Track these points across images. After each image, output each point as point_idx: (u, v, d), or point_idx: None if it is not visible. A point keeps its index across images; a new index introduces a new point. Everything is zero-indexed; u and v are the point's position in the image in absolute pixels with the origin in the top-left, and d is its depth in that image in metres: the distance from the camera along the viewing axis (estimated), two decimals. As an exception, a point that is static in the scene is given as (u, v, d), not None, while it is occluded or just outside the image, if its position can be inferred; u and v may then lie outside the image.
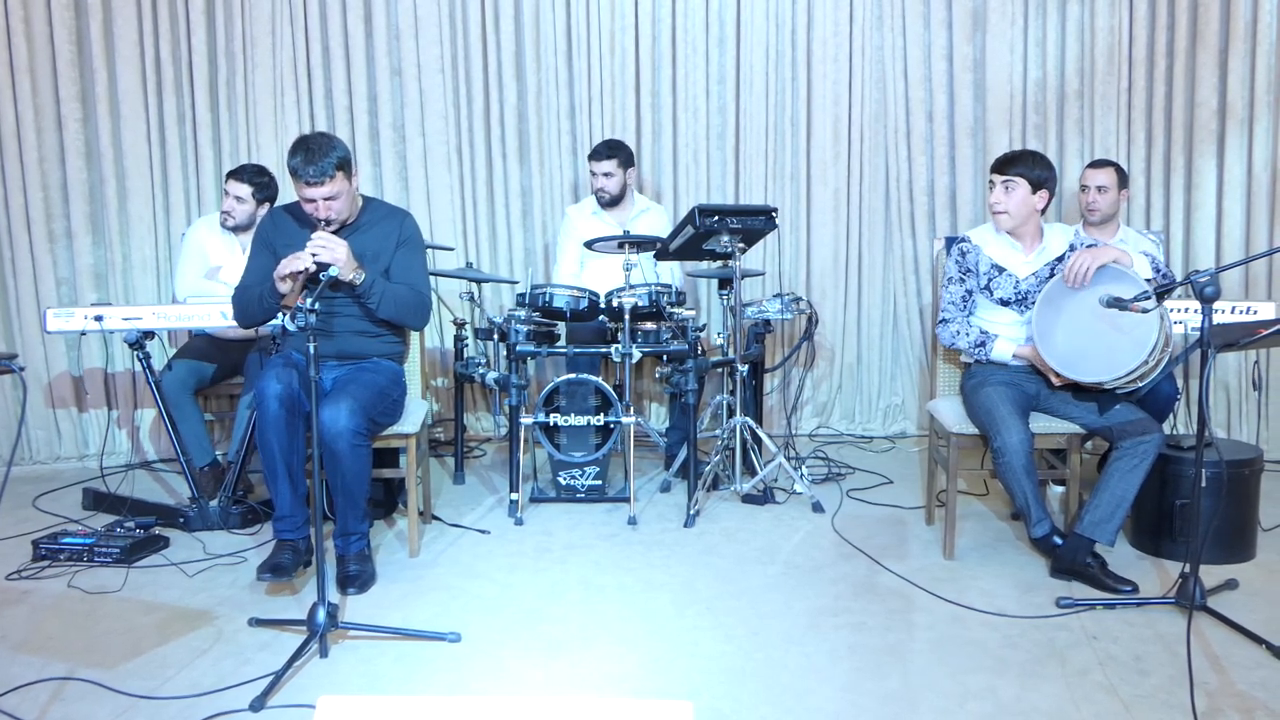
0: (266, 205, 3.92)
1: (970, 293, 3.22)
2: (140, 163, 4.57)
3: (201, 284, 3.92)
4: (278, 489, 2.92)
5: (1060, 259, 3.13)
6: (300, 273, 2.85)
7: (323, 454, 2.88)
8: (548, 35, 4.71)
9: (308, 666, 2.46)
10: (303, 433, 2.91)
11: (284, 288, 2.91)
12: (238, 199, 3.86)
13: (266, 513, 3.43)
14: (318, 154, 2.87)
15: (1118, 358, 2.85)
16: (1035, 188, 3.11)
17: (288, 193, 4.44)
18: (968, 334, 3.20)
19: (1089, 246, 3.08)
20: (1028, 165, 3.11)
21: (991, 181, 3.18)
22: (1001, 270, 3.17)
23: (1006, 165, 3.14)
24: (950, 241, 3.48)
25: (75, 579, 3.05)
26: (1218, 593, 2.86)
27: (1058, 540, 3.02)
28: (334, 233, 2.95)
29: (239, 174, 3.89)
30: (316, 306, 2.47)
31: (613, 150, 4.27)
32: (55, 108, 4.47)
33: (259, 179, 3.89)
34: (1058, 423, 3.12)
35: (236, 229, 3.91)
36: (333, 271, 2.76)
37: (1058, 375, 3.02)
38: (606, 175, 4.27)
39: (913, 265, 4.79)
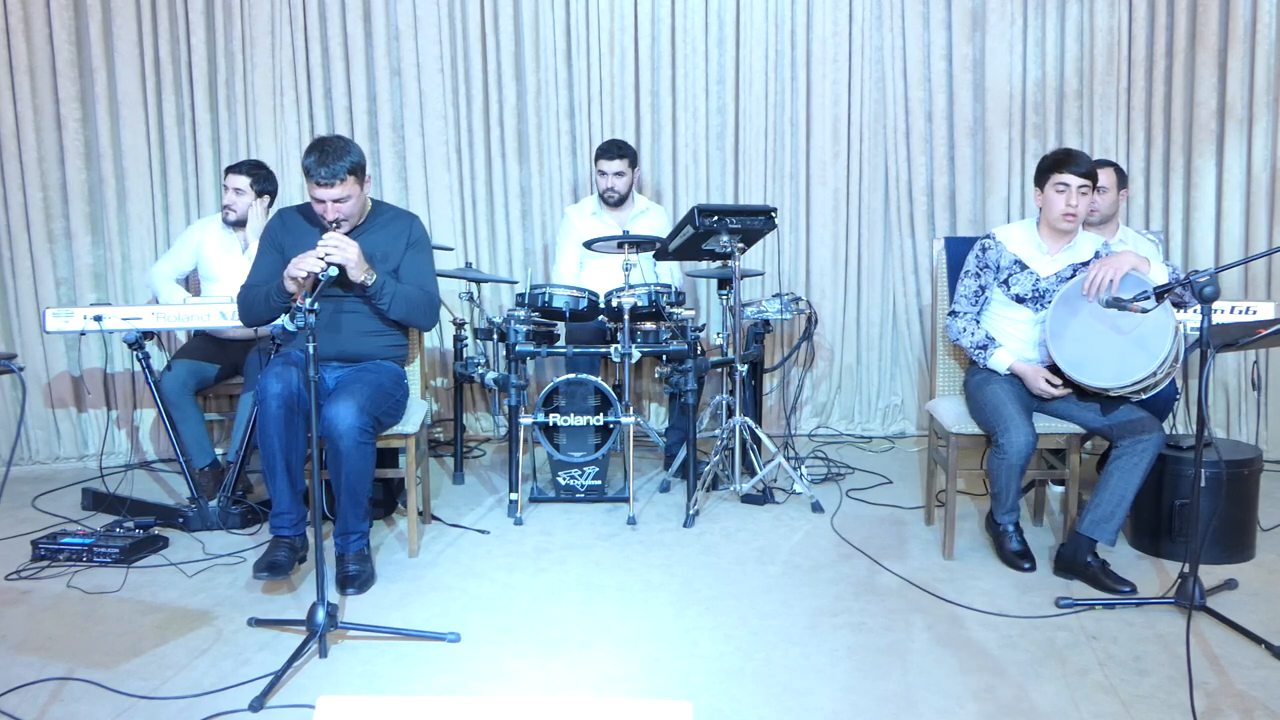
0: (266, 198, 3.96)
1: (984, 288, 3.22)
2: (140, 163, 4.57)
3: (171, 286, 3.96)
4: (276, 486, 2.92)
5: (1085, 264, 3.13)
6: (310, 274, 2.85)
7: (326, 452, 2.89)
8: (547, 35, 4.71)
9: (307, 667, 2.46)
10: (303, 431, 2.91)
11: (292, 288, 2.92)
12: (237, 190, 3.91)
13: (265, 513, 3.42)
14: (332, 156, 2.90)
15: (1128, 365, 2.84)
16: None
17: (288, 191, 4.46)
18: (973, 335, 3.20)
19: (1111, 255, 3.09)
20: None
21: (1084, 188, 3.03)
22: (1024, 267, 3.16)
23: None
24: (950, 242, 3.49)
25: (74, 579, 3.05)
26: (1217, 593, 2.86)
27: (1015, 543, 3.10)
28: (344, 234, 2.96)
29: (237, 168, 3.96)
30: (316, 307, 2.48)
31: (623, 149, 4.28)
32: (55, 108, 4.47)
33: (257, 171, 3.95)
34: (1058, 423, 3.12)
35: (237, 224, 3.93)
36: (332, 272, 2.77)
37: (1064, 383, 3.02)
38: (618, 174, 4.27)
39: (912, 265, 4.79)
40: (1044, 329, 3.06)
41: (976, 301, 3.23)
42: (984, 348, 3.17)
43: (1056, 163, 3.07)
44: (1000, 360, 3.14)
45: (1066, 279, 3.11)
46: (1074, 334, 2.98)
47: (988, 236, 3.24)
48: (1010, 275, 3.17)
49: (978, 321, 3.24)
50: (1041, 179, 3.12)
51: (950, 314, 3.28)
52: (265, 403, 2.85)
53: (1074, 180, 3.04)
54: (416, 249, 3.18)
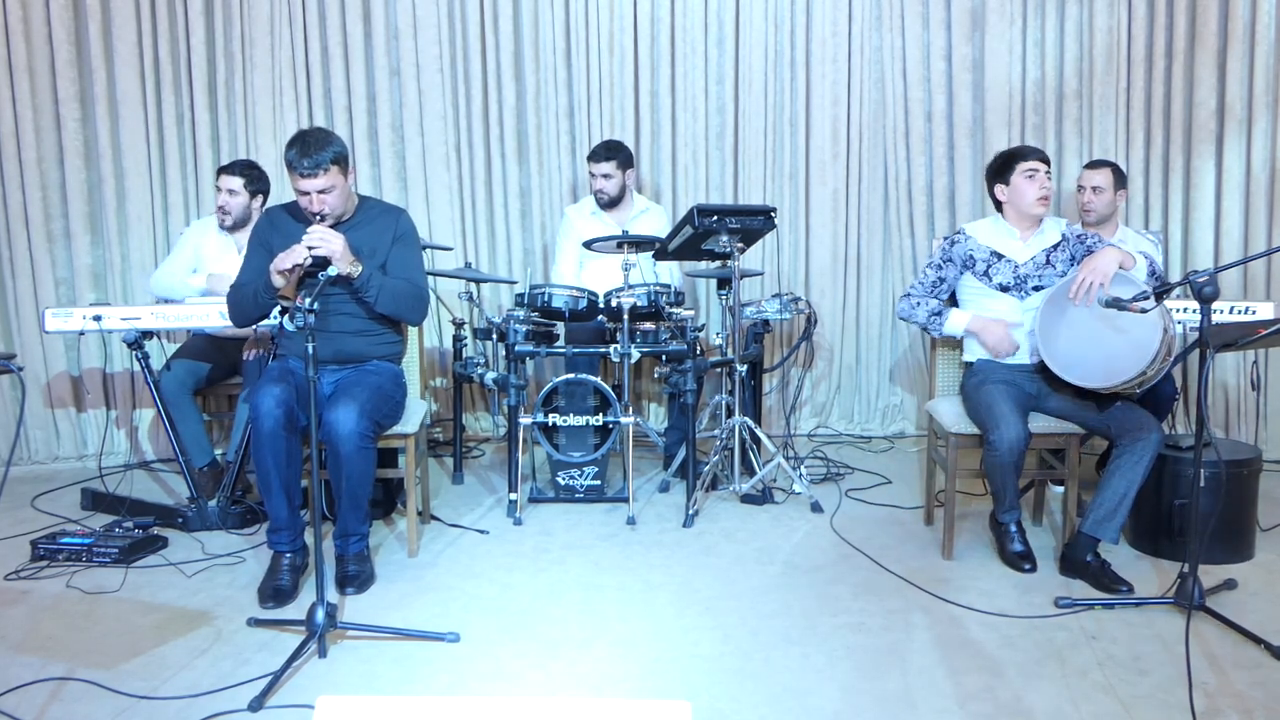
0: (260, 198, 3.95)
1: (943, 281, 3.29)
2: (139, 163, 4.57)
3: (181, 280, 3.91)
4: (273, 503, 2.89)
5: (1056, 247, 3.19)
6: (296, 266, 2.84)
7: (327, 456, 2.88)
8: (546, 35, 4.71)
9: (306, 667, 2.46)
10: (300, 450, 2.90)
11: (279, 281, 2.88)
12: (230, 192, 3.89)
13: (265, 513, 3.42)
14: (314, 147, 2.88)
15: (1117, 365, 2.86)
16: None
17: (281, 189, 4.45)
18: (926, 307, 3.28)
19: (1104, 243, 3.11)
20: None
21: (1048, 172, 3.24)
22: (1000, 257, 3.21)
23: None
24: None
25: (74, 579, 3.05)
26: (1216, 593, 2.86)
27: (1018, 544, 3.10)
28: (330, 228, 2.95)
29: (230, 169, 3.94)
30: (315, 306, 2.47)
31: (611, 151, 4.27)
32: (54, 108, 4.47)
33: (250, 171, 3.93)
34: (1057, 423, 3.12)
35: (234, 227, 3.91)
36: (331, 271, 2.75)
37: (1057, 381, 3.04)
38: (605, 177, 4.26)
39: (911, 265, 4.79)
40: (1034, 330, 3.07)
41: (933, 292, 3.31)
42: (938, 314, 3.25)
43: (1017, 153, 3.21)
44: (956, 322, 3.22)
45: (1042, 264, 3.18)
46: (1063, 334, 2.99)
47: (958, 232, 3.32)
48: (990, 266, 3.22)
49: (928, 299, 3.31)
50: (1004, 173, 3.21)
51: (904, 296, 3.35)
52: (259, 422, 2.81)
53: (1040, 165, 3.18)
54: (403, 243, 3.15)
